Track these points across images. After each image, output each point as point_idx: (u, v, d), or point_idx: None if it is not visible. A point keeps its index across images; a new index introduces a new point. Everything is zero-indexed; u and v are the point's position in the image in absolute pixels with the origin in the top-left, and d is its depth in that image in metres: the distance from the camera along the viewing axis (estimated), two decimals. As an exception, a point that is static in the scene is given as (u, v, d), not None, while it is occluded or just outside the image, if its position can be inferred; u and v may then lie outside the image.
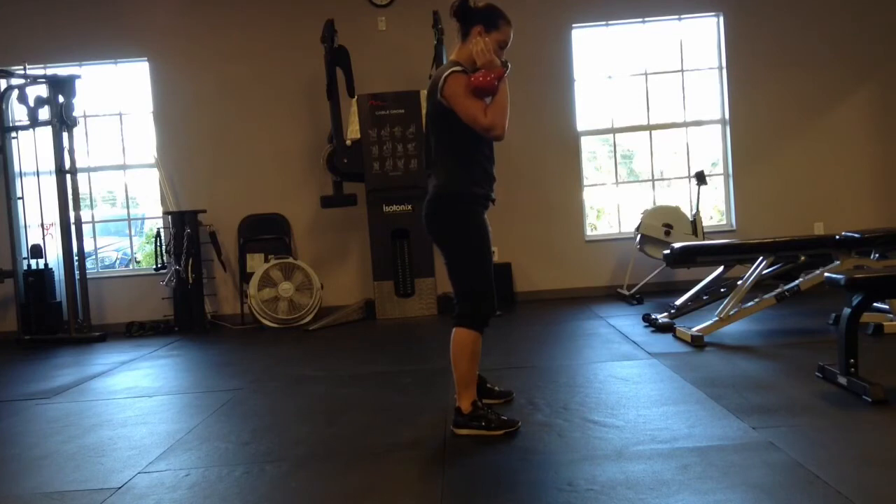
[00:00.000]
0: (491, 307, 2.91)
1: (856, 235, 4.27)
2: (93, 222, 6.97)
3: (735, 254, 4.89)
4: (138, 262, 7.36)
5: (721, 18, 6.68)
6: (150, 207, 7.11)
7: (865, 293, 3.11)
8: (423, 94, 6.05)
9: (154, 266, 6.48)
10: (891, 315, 4.30)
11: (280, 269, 6.26)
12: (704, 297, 5.03)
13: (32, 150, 6.42)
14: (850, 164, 6.66)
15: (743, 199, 6.70)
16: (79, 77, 6.31)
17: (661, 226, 6.15)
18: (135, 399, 3.95)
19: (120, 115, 6.89)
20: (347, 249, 6.74)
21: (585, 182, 6.86)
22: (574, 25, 6.69)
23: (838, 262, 4.29)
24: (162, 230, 6.60)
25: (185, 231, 6.29)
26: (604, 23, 6.74)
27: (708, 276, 5.22)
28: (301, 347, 5.27)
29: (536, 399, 3.31)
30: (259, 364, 4.77)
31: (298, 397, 3.77)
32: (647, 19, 6.74)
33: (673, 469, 2.38)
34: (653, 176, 6.94)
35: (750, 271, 4.55)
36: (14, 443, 3.30)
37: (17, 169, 6.46)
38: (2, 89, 6.40)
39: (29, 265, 6.36)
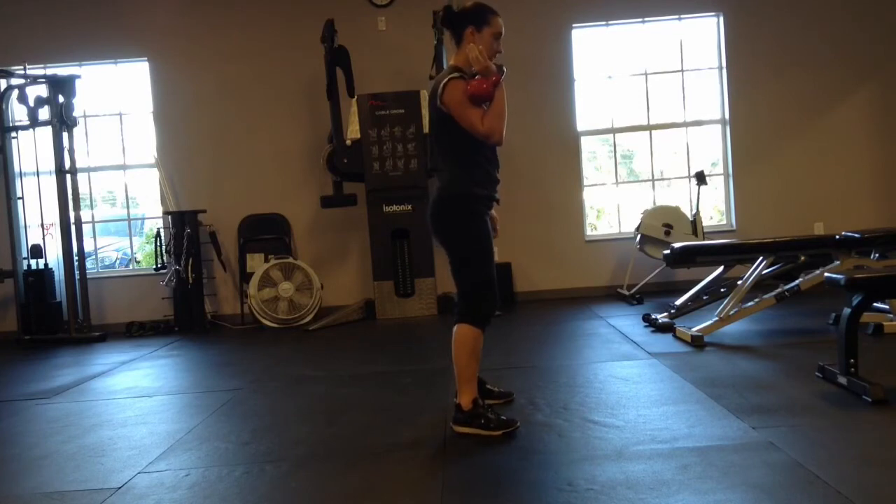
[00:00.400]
0: (492, 306, 2.94)
1: (856, 235, 4.27)
2: (93, 222, 6.97)
3: (735, 254, 4.89)
4: (138, 262, 7.36)
5: (721, 18, 6.68)
6: (150, 207, 7.11)
7: (865, 293, 3.11)
8: (424, 94, 6.13)
9: (154, 266, 6.48)
10: (891, 315, 4.30)
11: (280, 269, 6.26)
12: (704, 297, 5.03)
13: (32, 150, 6.42)
14: (850, 164, 6.67)
15: (743, 199, 6.70)
16: (79, 77, 6.31)
17: (661, 226, 6.15)
18: (135, 399, 3.95)
19: (120, 115, 6.89)
20: (347, 249, 6.74)
21: (585, 182, 6.86)
22: (574, 25, 6.69)
23: (838, 262, 4.28)
24: (162, 230, 6.60)
25: (185, 231, 6.29)
26: (604, 23, 6.74)
27: (708, 276, 5.22)
28: (301, 347, 5.27)
29: (536, 399, 3.31)
30: (259, 364, 4.77)
31: (298, 397, 3.77)
32: (647, 19, 6.74)
33: (673, 469, 2.38)
34: (653, 176, 6.94)
35: (750, 271, 4.55)
36: (14, 443, 3.30)
37: (17, 169, 6.46)
38: (2, 89, 6.40)
39: (29, 265, 6.36)
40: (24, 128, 6.39)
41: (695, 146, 6.88)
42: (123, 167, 6.93)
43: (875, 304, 4.26)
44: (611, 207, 7.10)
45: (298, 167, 6.71)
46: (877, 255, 4.29)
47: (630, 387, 3.44)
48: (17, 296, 6.31)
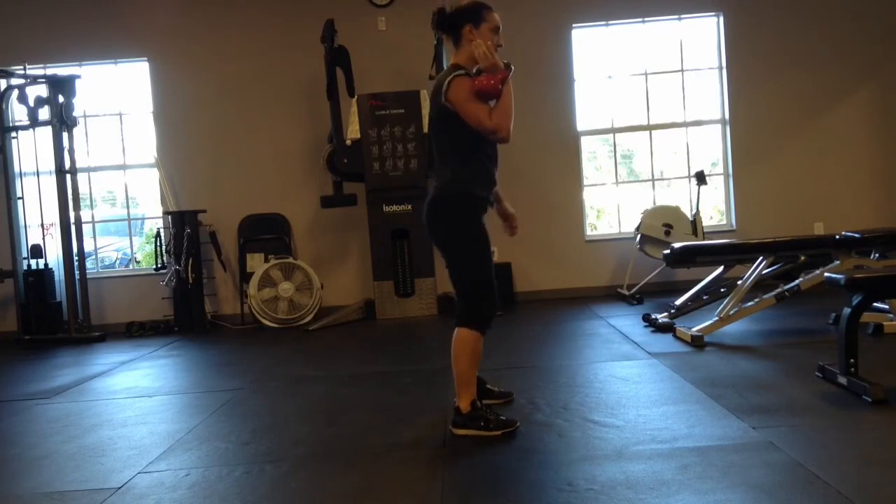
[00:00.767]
0: (492, 307, 2.92)
1: (856, 235, 4.27)
2: (93, 222, 6.97)
3: (735, 254, 4.89)
4: (138, 262, 7.36)
5: (721, 18, 6.68)
6: (150, 207, 7.11)
7: (865, 293, 3.11)
8: (424, 93, 6.13)
9: (154, 266, 6.48)
10: (891, 315, 4.30)
11: (280, 269, 6.26)
12: (704, 297, 5.03)
13: (32, 150, 6.42)
14: (850, 164, 6.66)
15: (743, 199, 6.70)
16: (79, 77, 6.31)
17: (661, 226, 6.15)
18: (135, 399, 3.95)
19: (120, 115, 6.89)
20: (347, 249, 6.74)
21: (585, 182, 6.86)
22: (574, 25, 6.69)
23: (838, 262, 4.28)
24: (162, 230, 6.60)
25: (185, 231, 6.28)
26: (604, 23, 6.74)
27: (708, 276, 5.21)
28: (301, 347, 5.27)
29: (536, 399, 3.31)
30: (259, 364, 4.77)
31: (298, 397, 3.77)
32: (647, 19, 6.74)
33: (673, 469, 2.37)
34: (653, 176, 6.95)
35: (750, 271, 4.55)
36: (14, 443, 3.31)
37: (17, 169, 6.46)
38: (2, 89, 6.40)
39: (29, 265, 6.36)
40: (24, 128, 6.39)
41: (695, 146, 6.88)
42: (123, 167, 6.93)
43: (875, 304, 4.26)
44: (611, 207, 7.10)
45: (298, 167, 6.71)
46: (877, 255, 4.29)
47: (630, 387, 3.44)
48: (17, 296, 6.31)
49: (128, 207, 7.04)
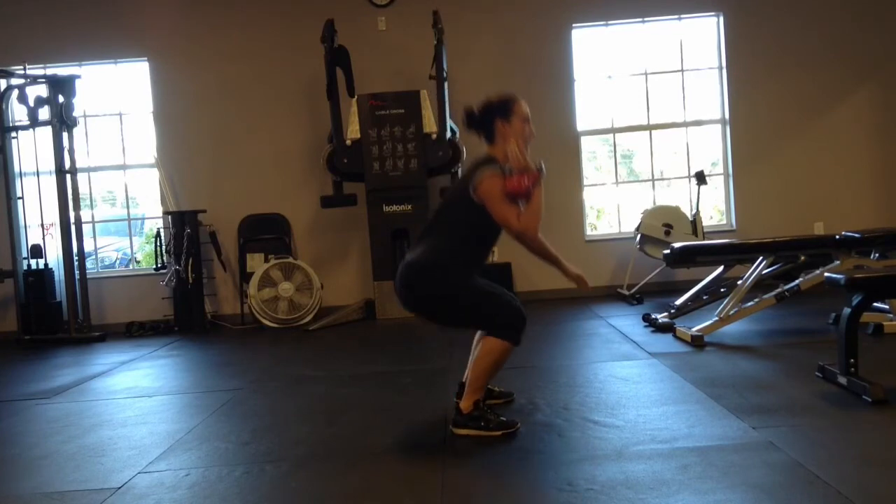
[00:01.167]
0: (518, 315, 2.86)
1: (856, 235, 4.27)
2: (93, 222, 6.97)
3: (735, 254, 4.89)
4: (138, 262, 7.36)
5: (721, 18, 6.68)
6: (150, 207, 7.11)
7: (865, 293, 3.11)
8: (424, 93, 6.14)
9: (154, 266, 6.48)
10: (891, 315, 4.30)
11: (280, 268, 6.26)
12: (704, 297, 5.03)
13: (32, 150, 6.42)
14: (850, 164, 6.67)
15: (743, 199, 6.70)
16: (79, 77, 6.31)
17: (661, 226, 6.15)
18: (135, 399, 3.95)
19: (120, 115, 6.89)
20: (347, 249, 6.74)
21: (585, 182, 6.86)
22: (574, 25, 6.68)
23: (838, 262, 4.29)
24: (162, 230, 6.60)
25: (185, 231, 6.28)
26: (604, 23, 6.74)
27: (708, 276, 5.22)
28: (301, 347, 5.27)
29: (536, 399, 3.31)
30: (259, 364, 4.77)
31: (298, 397, 3.77)
32: (647, 19, 6.75)
33: (673, 469, 2.37)
34: (653, 176, 6.95)
35: (750, 271, 4.55)
36: (14, 443, 3.30)
37: (17, 169, 6.46)
38: (2, 89, 6.40)
39: (29, 265, 6.36)
40: (24, 128, 6.38)
41: (695, 146, 6.88)
42: (123, 167, 6.93)
43: (875, 304, 4.26)
44: (611, 207, 7.10)
45: (298, 167, 6.71)
46: (877, 255, 4.29)
47: (630, 387, 3.44)
48: (17, 296, 6.31)
49: (128, 207, 7.04)
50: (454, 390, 3.15)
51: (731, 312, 4.37)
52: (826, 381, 3.25)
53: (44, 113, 6.23)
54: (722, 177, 6.86)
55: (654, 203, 6.74)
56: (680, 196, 6.81)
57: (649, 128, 6.85)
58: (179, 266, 6.28)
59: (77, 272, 6.31)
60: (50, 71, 6.45)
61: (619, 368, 3.84)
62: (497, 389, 3.32)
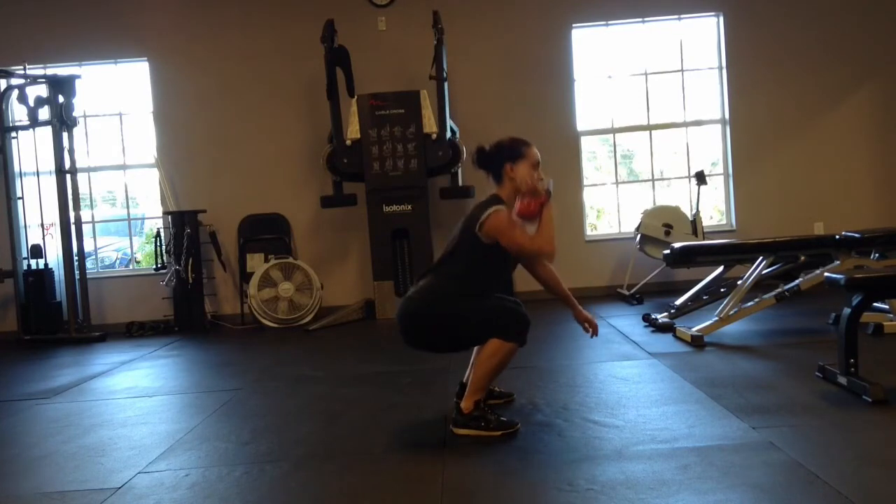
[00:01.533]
0: (520, 319, 2.87)
1: (856, 235, 4.27)
2: (93, 222, 6.97)
3: (735, 254, 4.89)
4: (138, 262, 7.36)
5: (721, 18, 6.68)
6: (150, 207, 7.11)
7: (865, 293, 3.11)
8: (424, 93, 6.14)
9: (154, 266, 6.48)
10: (891, 315, 4.30)
11: (280, 269, 6.26)
12: (704, 297, 5.03)
13: (32, 150, 6.42)
14: (850, 164, 6.67)
15: (743, 199, 6.70)
16: (79, 77, 6.31)
17: (661, 226, 6.15)
18: (135, 399, 3.95)
19: (120, 115, 6.89)
20: (347, 249, 6.74)
21: (585, 182, 6.86)
22: (574, 25, 6.68)
23: (838, 262, 4.29)
24: (162, 230, 6.60)
25: (185, 231, 6.29)
26: (604, 23, 6.74)
27: (708, 276, 5.22)
28: (301, 347, 5.27)
29: (536, 399, 3.31)
30: (259, 364, 4.77)
31: (298, 397, 3.77)
32: (647, 19, 6.75)
33: (673, 469, 2.37)
34: (653, 176, 6.95)
35: (750, 271, 4.55)
36: (14, 443, 3.30)
37: (17, 169, 6.45)
38: (2, 89, 6.39)
39: (29, 265, 6.36)
40: (24, 128, 6.38)
41: (695, 146, 6.88)
42: (123, 167, 6.93)
43: (875, 304, 4.26)
44: (611, 207, 7.10)
45: (298, 167, 6.71)
46: (877, 255, 4.29)
47: (630, 387, 3.45)
48: (17, 296, 6.31)
49: (128, 207, 7.04)
50: (454, 390, 3.15)
51: (731, 312, 4.37)
52: (826, 381, 3.25)
53: (44, 113, 6.23)
54: (722, 177, 6.86)
55: (654, 203, 6.74)
56: (680, 196, 6.81)
57: (649, 128, 6.85)
58: (179, 266, 6.28)
59: (77, 272, 6.31)
60: (50, 71, 6.45)
61: (619, 368, 3.84)
62: (497, 390, 3.32)
